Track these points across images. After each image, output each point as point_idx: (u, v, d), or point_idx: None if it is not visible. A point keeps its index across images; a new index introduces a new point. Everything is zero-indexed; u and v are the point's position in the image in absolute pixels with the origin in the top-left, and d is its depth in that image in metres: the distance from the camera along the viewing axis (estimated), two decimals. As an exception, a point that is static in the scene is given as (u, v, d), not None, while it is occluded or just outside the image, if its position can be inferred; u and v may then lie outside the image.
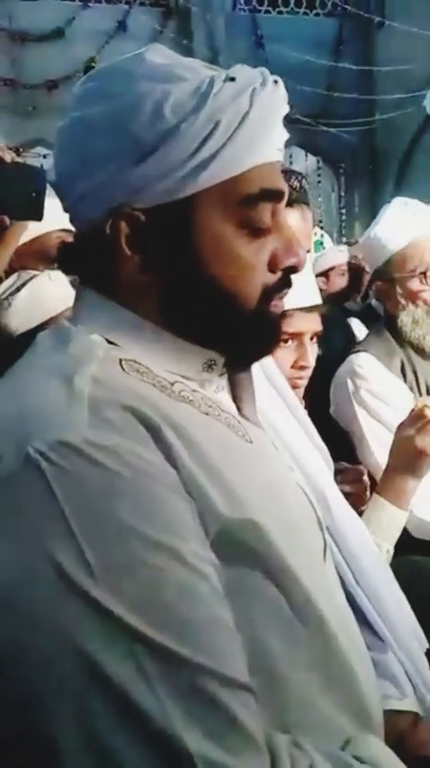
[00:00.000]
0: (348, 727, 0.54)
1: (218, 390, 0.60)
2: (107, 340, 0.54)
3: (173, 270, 0.54)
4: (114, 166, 0.51)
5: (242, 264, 0.54)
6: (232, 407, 0.61)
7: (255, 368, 0.64)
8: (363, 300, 3.12)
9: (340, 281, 2.97)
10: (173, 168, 0.51)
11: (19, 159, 1.04)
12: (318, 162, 8.36)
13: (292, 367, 0.98)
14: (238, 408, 0.62)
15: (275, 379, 0.71)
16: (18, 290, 1.07)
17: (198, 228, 0.53)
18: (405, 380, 1.36)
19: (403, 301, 1.35)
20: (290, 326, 0.96)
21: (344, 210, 8.56)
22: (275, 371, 0.71)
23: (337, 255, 3.03)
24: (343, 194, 8.57)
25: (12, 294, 1.06)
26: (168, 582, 0.42)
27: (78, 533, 0.41)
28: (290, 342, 0.98)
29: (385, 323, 1.42)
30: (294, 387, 0.97)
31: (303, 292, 0.98)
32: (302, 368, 0.99)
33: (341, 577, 0.68)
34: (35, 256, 1.16)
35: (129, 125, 0.51)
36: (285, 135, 0.56)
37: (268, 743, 0.45)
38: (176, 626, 0.42)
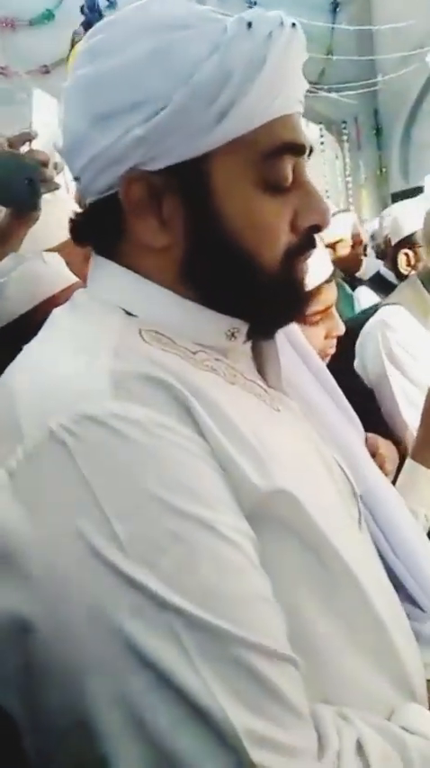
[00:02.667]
0: (391, 697, 0.52)
1: (241, 359, 0.58)
2: (125, 311, 0.52)
3: (191, 233, 0.51)
4: (124, 125, 0.48)
5: (263, 224, 0.51)
6: (257, 376, 0.59)
7: (281, 339, 0.62)
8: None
9: (345, 252, 2.95)
10: (186, 123, 0.48)
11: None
12: (320, 130, 8.18)
13: (325, 338, 0.96)
14: (263, 377, 0.60)
15: (302, 350, 0.68)
16: (10, 273, 1.05)
17: (216, 188, 0.50)
18: None
19: None
20: (321, 303, 0.93)
21: (349, 179, 8.40)
22: (303, 341, 0.69)
23: (344, 228, 2.99)
24: (347, 161, 8.40)
25: (4, 278, 1.04)
26: (203, 554, 0.41)
27: (106, 508, 0.40)
28: (321, 317, 0.95)
29: (420, 277, 1.38)
30: (325, 356, 0.95)
31: (324, 264, 0.96)
32: (335, 337, 0.97)
33: (378, 547, 0.66)
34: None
35: (137, 79, 0.48)
36: (305, 84, 0.52)
37: (313, 715, 0.43)
38: (213, 599, 0.40)
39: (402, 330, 1.28)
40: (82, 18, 6.61)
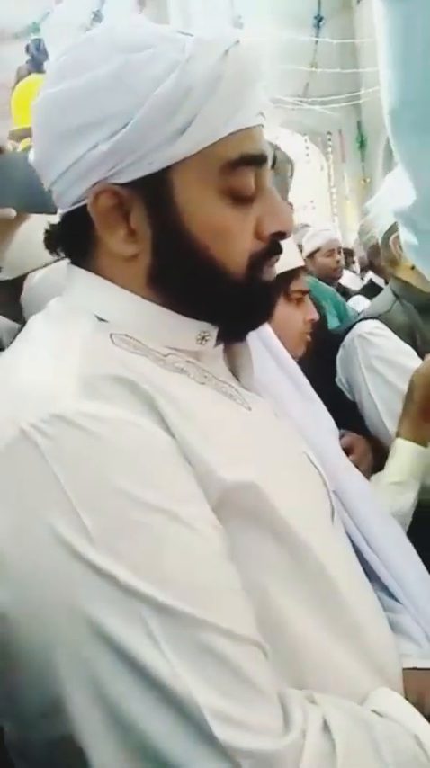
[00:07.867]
0: (366, 685, 0.54)
1: (213, 362, 0.59)
2: (98, 317, 0.54)
3: (158, 242, 0.53)
4: (90, 141, 0.51)
5: (226, 233, 0.53)
6: (230, 377, 0.61)
7: (255, 340, 0.64)
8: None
9: (327, 262, 2.97)
10: (148, 138, 0.50)
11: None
12: (305, 142, 8.29)
13: (303, 323, 1.01)
14: (237, 378, 0.62)
15: (276, 351, 0.70)
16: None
17: (180, 199, 0.52)
18: (414, 347, 1.34)
19: None
20: (301, 284, 0.99)
21: (334, 189, 8.50)
22: (277, 344, 0.71)
23: (322, 236, 3.01)
24: (332, 173, 8.50)
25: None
26: (169, 543, 0.43)
27: (75, 502, 0.41)
28: (301, 296, 1.01)
29: (392, 289, 1.40)
30: (303, 339, 1.00)
31: (297, 251, 1.01)
32: (311, 322, 1.01)
33: (352, 540, 0.68)
34: None
35: (101, 97, 0.50)
36: (265, 99, 0.55)
37: (280, 696, 0.45)
38: (179, 585, 0.42)
39: (380, 344, 1.30)
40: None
